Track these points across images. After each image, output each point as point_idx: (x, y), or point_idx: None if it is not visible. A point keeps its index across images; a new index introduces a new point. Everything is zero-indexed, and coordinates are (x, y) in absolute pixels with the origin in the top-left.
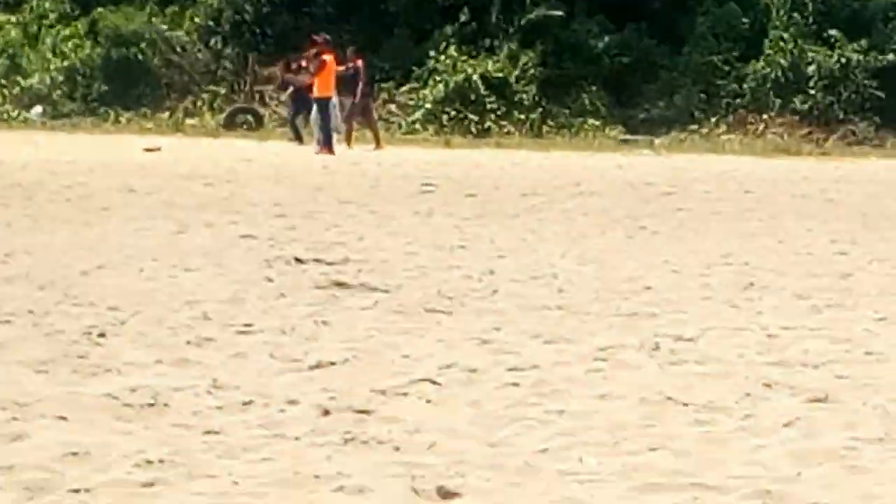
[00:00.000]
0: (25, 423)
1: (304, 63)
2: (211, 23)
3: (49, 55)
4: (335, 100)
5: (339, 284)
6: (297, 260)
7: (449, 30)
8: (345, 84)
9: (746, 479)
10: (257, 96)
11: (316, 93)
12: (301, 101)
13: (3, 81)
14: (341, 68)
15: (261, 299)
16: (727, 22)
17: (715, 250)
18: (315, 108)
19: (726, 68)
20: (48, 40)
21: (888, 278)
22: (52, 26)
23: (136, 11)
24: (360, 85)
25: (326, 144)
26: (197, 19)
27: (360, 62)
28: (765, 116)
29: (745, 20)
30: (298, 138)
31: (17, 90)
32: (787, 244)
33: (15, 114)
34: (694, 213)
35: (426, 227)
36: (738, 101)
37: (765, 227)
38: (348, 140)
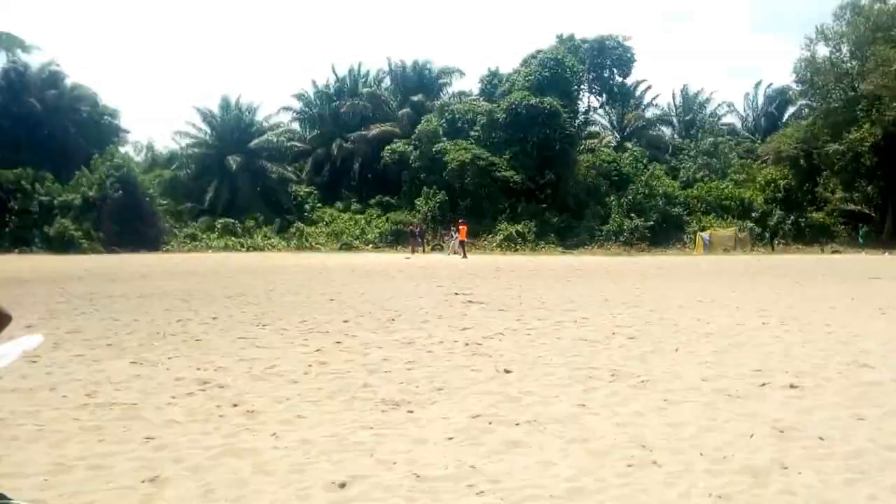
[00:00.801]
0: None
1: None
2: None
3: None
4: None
5: (471, 301)
6: (455, 294)
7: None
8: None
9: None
10: (443, 239)
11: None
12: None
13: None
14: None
15: (440, 305)
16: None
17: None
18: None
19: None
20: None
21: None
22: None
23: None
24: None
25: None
26: (417, 215)
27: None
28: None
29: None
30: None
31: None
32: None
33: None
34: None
35: (500, 280)
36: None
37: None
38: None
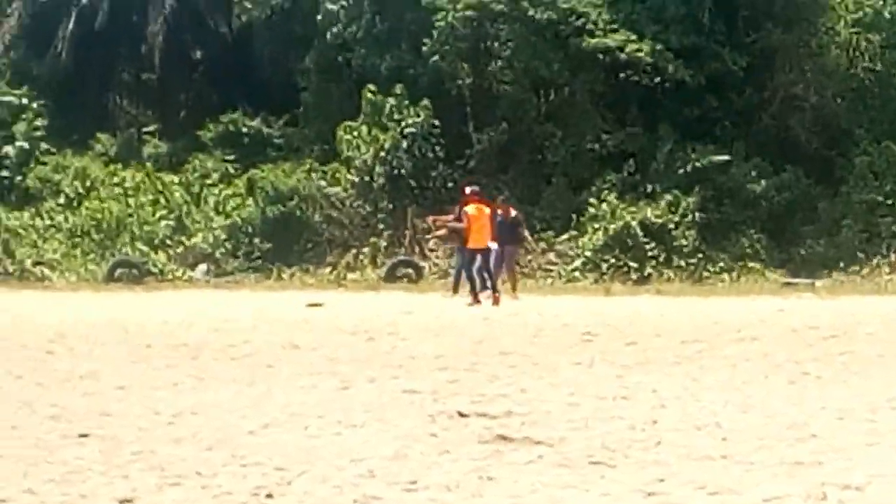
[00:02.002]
0: None
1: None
2: (367, 178)
3: (212, 214)
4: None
5: (503, 438)
6: (461, 414)
7: (607, 178)
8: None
9: None
10: (417, 248)
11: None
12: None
13: (168, 241)
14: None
15: (425, 455)
16: (886, 160)
17: (881, 394)
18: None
19: (888, 203)
20: (211, 199)
21: None
22: (214, 185)
23: (295, 169)
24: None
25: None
26: (351, 175)
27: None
28: None
29: None
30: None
31: (181, 249)
32: None
33: (180, 273)
34: (858, 357)
35: (588, 376)
36: None
37: None
38: (513, 287)
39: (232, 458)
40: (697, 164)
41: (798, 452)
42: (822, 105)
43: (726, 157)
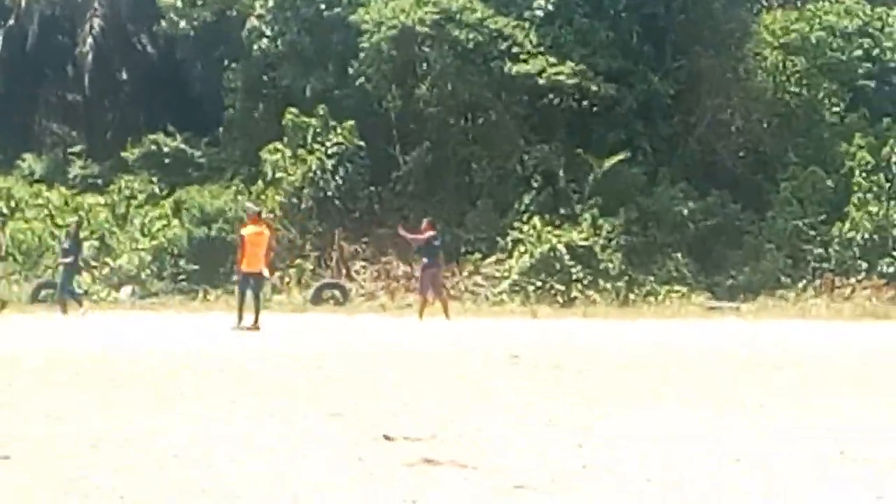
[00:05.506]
0: None
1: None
2: (294, 199)
3: (137, 235)
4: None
5: (429, 461)
6: (386, 437)
7: (532, 200)
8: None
9: None
10: (344, 270)
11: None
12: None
13: (93, 262)
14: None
15: (351, 479)
16: (811, 186)
17: (805, 420)
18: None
19: (812, 232)
20: (136, 220)
21: None
22: (140, 206)
23: (222, 190)
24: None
25: None
26: (279, 197)
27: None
28: (851, 280)
29: (829, 183)
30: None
31: (106, 271)
32: (880, 412)
33: (104, 294)
34: (783, 383)
35: (514, 400)
36: (824, 265)
37: (855, 395)
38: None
39: (154, 484)
40: (622, 187)
41: (726, 477)
42: (749, 130)
43: (638, 171)
